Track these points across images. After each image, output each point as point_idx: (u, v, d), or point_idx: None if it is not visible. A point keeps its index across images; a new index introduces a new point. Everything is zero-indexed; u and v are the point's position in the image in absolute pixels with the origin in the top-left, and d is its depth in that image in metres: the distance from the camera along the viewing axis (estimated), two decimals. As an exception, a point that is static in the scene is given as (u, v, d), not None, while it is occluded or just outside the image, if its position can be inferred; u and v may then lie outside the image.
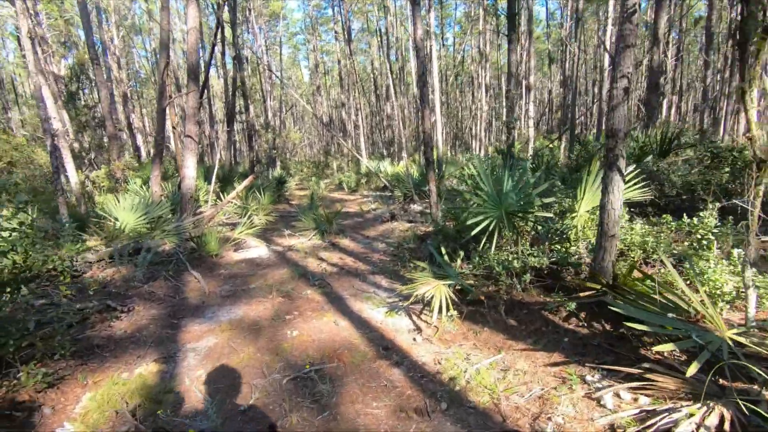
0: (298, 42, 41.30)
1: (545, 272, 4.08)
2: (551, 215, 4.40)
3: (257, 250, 8.01)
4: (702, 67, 18.14)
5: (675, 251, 3.89)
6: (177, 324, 4.60)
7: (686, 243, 3.93)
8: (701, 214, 3.68)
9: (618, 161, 3.39)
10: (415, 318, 4.33)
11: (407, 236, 7.79)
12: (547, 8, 27.44)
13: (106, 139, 11.62)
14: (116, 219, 7.83)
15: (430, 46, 14.54)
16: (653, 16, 11.73)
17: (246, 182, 8.34)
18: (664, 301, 3.05)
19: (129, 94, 21.70)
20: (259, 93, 25.89)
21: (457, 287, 4.34)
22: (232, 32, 12.30)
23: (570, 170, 6.03)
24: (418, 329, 4.08)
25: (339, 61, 24.13)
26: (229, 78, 14.30)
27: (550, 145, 16.54)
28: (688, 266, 3.36)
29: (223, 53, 12.15)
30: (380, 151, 29.98)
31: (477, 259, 4.33)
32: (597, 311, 3.50)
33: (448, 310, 3.97)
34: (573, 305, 3.40)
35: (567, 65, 20.61)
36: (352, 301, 4.99)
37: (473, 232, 4.44)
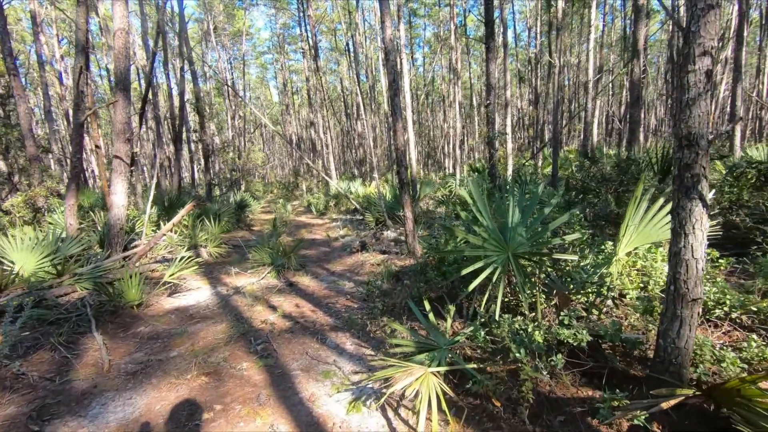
0: (266, 61, 40.02)
1: (583, 348, 2.76)
2: (575, 258, 3.13)
3: (196, 294, 6.43)
4: (668, 81, 17.91)
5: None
6: (34, 435, 3.03)
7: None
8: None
9: (700, 184, 2.15)
10: (391, 416, 2.91)
11: (380, 272, 6.41)
12: (514, 29, 27.30)
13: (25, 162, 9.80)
14: (12, 262, 6.11)
15: (401, 61, 13.52)
16: (632, 29, 11.07)
17: (183, 211, 6.79)
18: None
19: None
20: (225, 112, 24.27)
21: (451, 363, 2.97)
22: (179, 41, 10.85)
23: (577, 192, 4.88)
24: (397, 436, 2.67)
25: (307, 79, 22.93)
26: (174, 92, 12.77)
27: (527, 163, 15.67)
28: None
29: (165, 63, 10.68)
30: (351, 171, 28.71)
31: (478, 325, 2.97)
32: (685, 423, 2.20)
33: (440, 407, 2.58)
34: (643, 416, 2.08)
35: (538, 83, 20.10)
36: (304, 381, 3.53)
37: (466, 277, 3.13)
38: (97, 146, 7.41)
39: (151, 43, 12.27)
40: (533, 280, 3.25)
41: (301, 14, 20.90)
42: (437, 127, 33.61)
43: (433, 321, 3.44)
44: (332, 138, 19.99)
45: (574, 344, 2.48)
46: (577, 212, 3.49)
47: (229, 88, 18.71)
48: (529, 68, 28.68)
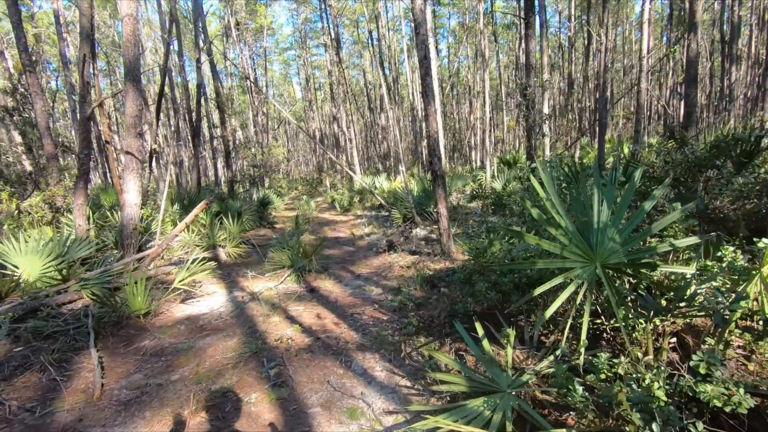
0: (289, 58, 39.70)
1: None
2: (690, 271, 2.26)
3: (211, 300, 5.83)
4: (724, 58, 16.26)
5: None
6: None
7: None
8: None
9: None
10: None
11: (411, 276, 5.63)
12: (542, 17, 25.83)
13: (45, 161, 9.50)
14: (16, 267, 5.65)
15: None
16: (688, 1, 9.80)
17: (195, 210, 6.20)
18: None
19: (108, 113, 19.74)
20: (248, 109, 23.97)
21: (519, 412, 2.17)
22: (195, 32, 10.33)
23: (658, 181, 3.97)
24: None
25: (330, 73, 22.31)
26: (191, 85, 12.29)
27: (563, 153, 14.49)
28: None
29: (180, 54, 10.19)
30: (375, 166, 27.98)
31: (562, 367, 2.13)
32: None
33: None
34: None
35: (572, 68, 18.75)
36: (324, 423, 2.80)
37: (527, 290, 2.31)
38: (107, 141, 6.92)
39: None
40: (627, 300, 2.40)
41: (323, 6, 20.23)
42: (462, 119, 32.44)
43: (488, 350, 2.63)
44: (356, 132, 19.30)
45: (726, 409, 1.64)
46: (681, 207, 2.60)
47: (251, 84, 18.25)
48: (560, 54, 27.13)
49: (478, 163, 25.23)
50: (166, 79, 10.13)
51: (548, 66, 29.75)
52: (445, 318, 3.92)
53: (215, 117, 14.00)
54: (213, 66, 12.45)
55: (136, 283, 5.00)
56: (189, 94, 10.43)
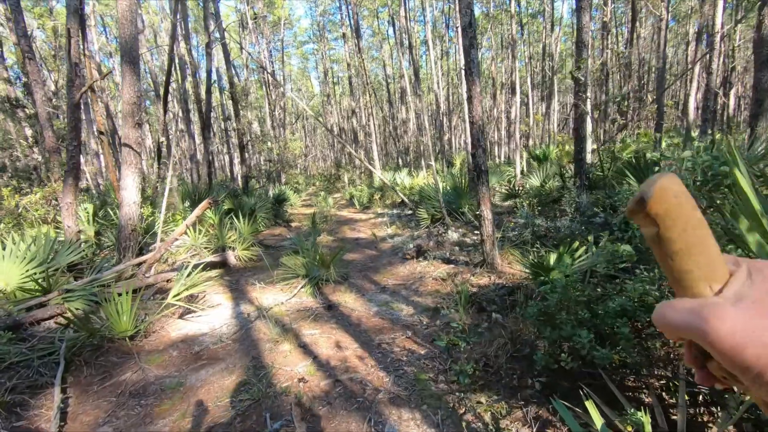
0: (307, 52, 38.82)
1: None
2: None
3: (213, 315, 4.95)
4: None
5: None
6: None
7: None
8: None
9: None
10: None
11: (450, 294, 4.62)
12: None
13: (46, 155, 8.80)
14: (-8, 274, 4.87)
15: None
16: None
17: (197, 210, 5.33)
18: None
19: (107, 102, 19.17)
20: (266, 103, 23.20)
21: None
22: (204, 13, 9.44)
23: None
24: None
25: (348, 66, 21.33)
26: (200, 73, 11.46)
27: (600, 149, 13.15)
28: None
29: (188, 36, 9.31)
30: (394, 162, 26.92)
31: None
32: None
33: None
34: None
35: (606, 56, 17.27)
36: None
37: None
38: (101, 132, 6.10)
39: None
40: None
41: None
42: (484, 111, 31.03)
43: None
44: (375, 126, 18.30)
45: None
46: None
47: (268, 76, 17.40)
48: (590, 41, 25.43)
49: (502, 159, 23.93)
50: (175, 65, 9.31)
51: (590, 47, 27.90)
52: (507, 361, 2.90)
53: (231, 109, 13.23)
54: (226, 55, 11.59)
55: (119, 295, 4.12)
56: (198, 81, 9.60)
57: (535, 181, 9.06)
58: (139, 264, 5.92)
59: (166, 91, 8.02)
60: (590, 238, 4.24)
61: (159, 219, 6.43)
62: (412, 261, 6.30)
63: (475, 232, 7.42)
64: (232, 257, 7.43)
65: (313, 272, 5.59)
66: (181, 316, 4.93)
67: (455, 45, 29.19)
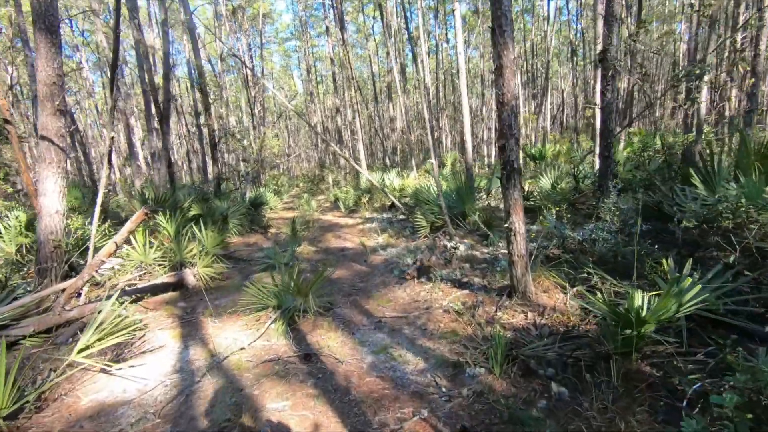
0: (290, 49, 37.21)
1: None
2: None
3: (149, 366, 3.56)
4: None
5: None
6: None
7: None
8: None
9: None
10: None
11: (471, 337, 3.33)
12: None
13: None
14: None
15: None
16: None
17: (129, 224, 3.92)
18: None
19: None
20: (242, 94, 21.64)
21: None
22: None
23: None
24: None
25: (332, 60, 19.93)
26: (157, 51, 9.86)
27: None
28: None
29: (135, 7, 7.76)
30: (381, 162, 25.61)
31: None
32: None
33: None
34: None
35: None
36: None
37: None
38: (6, 121, 4.64)
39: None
40: None
41: (324, -16, 17.79)
42: (463, 114, 29.99)
43: None
44: (361, 124, 16.97)
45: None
46: None
47: (247, 69, 15.89)
48: (579, 43, 24.63)
49: (492, 158, 22.86)
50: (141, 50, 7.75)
51: (554, 60, 27.22)
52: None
53: (194, 99, 11.69)
54: (194, 40, 10.08)
55: (-9, 361, 2.70)
56: (151, 65, 8.10)
57: (545, 182, 7.88)
58: (59, 292, 4.46)
59: (113, 76, 6.53)
60: (667, 261, 3.01)
61: (102, 231, 4.97)
62: (413, 282, 5.00)
63: (484, 242, 6.16)
64: (190, 276, 6.00)
65: (287, 302, 4.23)
66: (104, 369, 3.52)
67: (442, 43, 28.06)
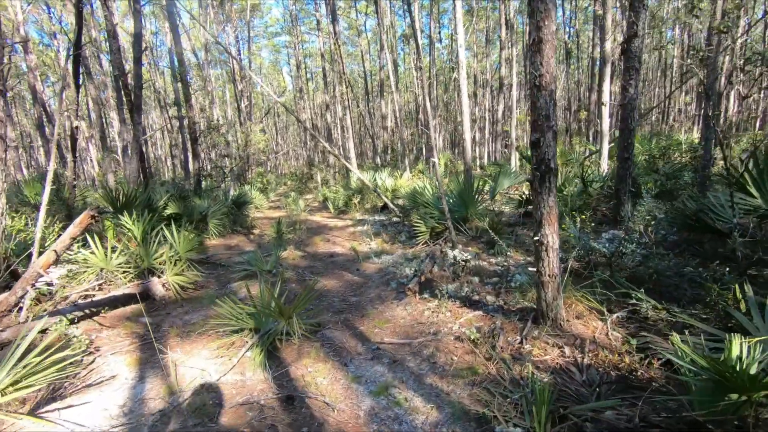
0: (280, 44, 36.17)
1: None
2: None
3: (94, 405, 2.82)
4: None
5: None
6: None
7: None
8: None
9: None
10: None
11: (494, 377, 2.66)
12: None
13: None
14: None
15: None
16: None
17: (72, 229, 3.16)
18: None
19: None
20: (226, 86, 20.73)
21: None
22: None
23: None
24: None
25: (322, 55, 19.14)
26: (129, 31, 8.96)
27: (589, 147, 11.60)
28: None
29: None
30: (371, 162, 24.89)
31: None
32: None
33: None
34: None
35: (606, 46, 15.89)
36: None
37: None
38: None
39: None
40: None
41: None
42: (462, 112, 29.47)
43: None
44: (351, 120, 16.23)
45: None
46: None
47: (234, 61, 15.01)
48: (572, 45, 24.30)
49: (486, 159, 22.36)
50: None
51: (554, 57, 26.66)
52: None
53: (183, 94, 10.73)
54: (173, 24, 9.23)
55: None
56: (120, 46, 7.17)
57: (550, 184, 7.28)
58: (-9, 309, 3.65)
59: (77, 57, 5.71)
60: (743, 286, 2.39)
61: (36, 236, 4.15)
62: (414, 297, 4.32)
63: (491, 251, 5.51)
64: (158, 286, 5.22)
65: (267, 325, 3.51)
66: (32, 410, 2.76)
67: (435, 42, 27.45)
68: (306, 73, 32.48)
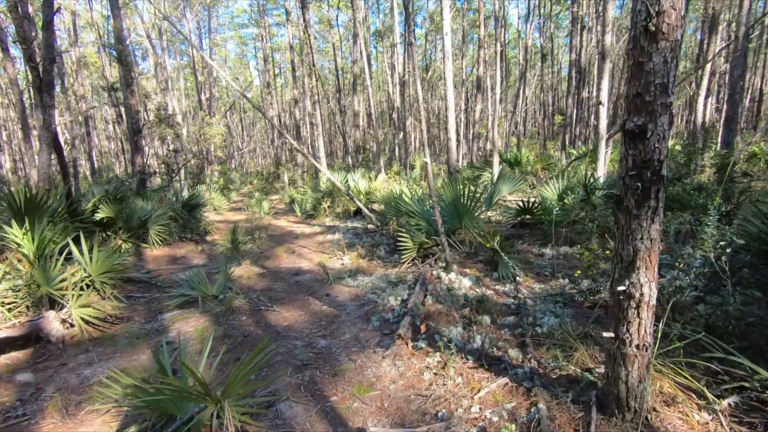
0: (246, 37, 34.07)
1: None
2: None
3: None
4: None
5: None
6: None
7: None
8: None
9: None
10: None
11: None
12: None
13: None
14: None
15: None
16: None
17: None
18: None
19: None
20: (180, 76, 18.87)
21: None
22: None
23: None
24: None
25: (291, 47, 17.64)
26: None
27: (575, 153, 10.89)
28: None
29: None
30: (341, 162, 23.55)
31: None
32: None
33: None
34: None
35: (583, 42, 15.42)
36: None
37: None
38: None
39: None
40: None
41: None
42: (435, 112, 28.63)
43: None
44: (322, 118, 14.90)
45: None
46: None
47: (193, 49, 13.29)
48: (549, 44, 23.94)
49: (462, 162, 21.53)
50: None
51: (531, 60, 26.31)
52: None
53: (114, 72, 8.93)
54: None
55: None
56: (26, 10, 5.45)
57: (548, 192, 6.31)
58: None
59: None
60: None
61: None
62: (406, 347, 3.14)
63: (494, 274, 4.42)
64: (54, 323, 3.80)
65: (186, 410, 2.22)
66: None
67: (408, 45, 26.45)
68: (274, 68, 30.62)
